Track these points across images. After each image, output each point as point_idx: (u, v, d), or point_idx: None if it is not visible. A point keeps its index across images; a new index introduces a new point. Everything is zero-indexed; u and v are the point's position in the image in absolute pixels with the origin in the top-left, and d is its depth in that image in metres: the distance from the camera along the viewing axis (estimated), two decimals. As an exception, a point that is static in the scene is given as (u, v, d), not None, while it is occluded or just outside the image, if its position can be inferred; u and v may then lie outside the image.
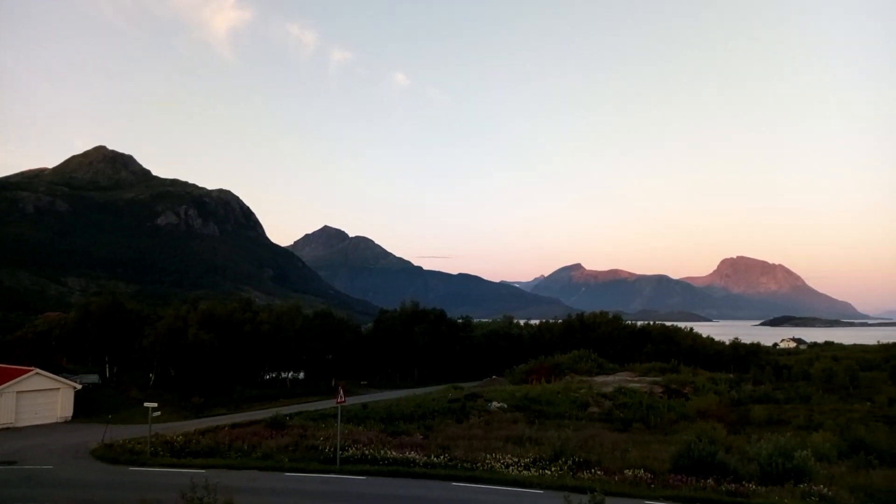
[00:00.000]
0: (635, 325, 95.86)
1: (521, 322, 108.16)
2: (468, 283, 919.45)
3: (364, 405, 42.71)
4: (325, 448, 27.05)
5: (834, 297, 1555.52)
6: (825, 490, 19.75)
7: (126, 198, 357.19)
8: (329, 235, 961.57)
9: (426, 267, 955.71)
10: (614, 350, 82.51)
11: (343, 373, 71.95)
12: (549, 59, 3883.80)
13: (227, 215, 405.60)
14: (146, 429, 28.88)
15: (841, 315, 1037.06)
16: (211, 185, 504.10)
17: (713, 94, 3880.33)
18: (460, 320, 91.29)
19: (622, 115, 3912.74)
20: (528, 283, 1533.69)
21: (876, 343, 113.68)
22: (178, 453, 27.51)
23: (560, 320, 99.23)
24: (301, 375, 69.93)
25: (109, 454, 27.95)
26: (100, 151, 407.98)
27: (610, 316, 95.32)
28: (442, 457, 25.38)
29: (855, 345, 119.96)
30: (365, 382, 72.69)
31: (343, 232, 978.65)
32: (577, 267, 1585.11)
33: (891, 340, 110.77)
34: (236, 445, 28.20)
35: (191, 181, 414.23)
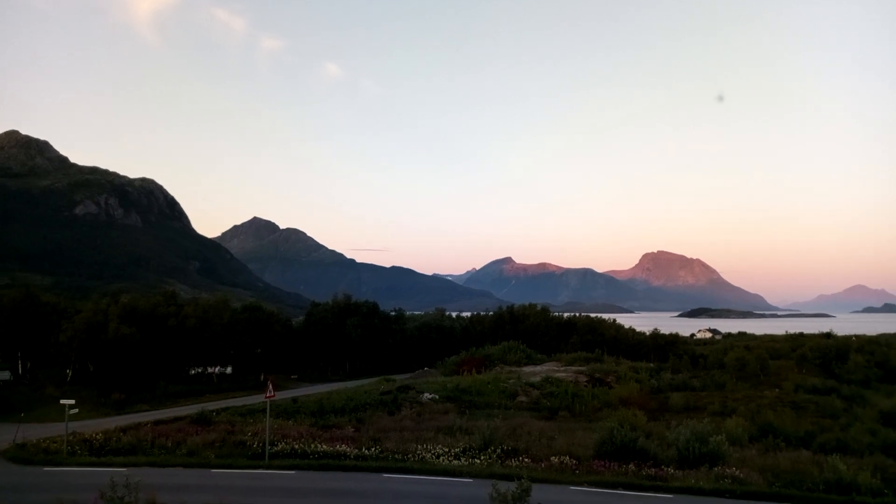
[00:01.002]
0: (562, 316, 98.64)
1: (454, 314, 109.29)
2: (401, 276, 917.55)
3: (294, 399, 42.25)
4: (254, 443, 26.64)
5: (747, 289, 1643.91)
6: (737, 472, 21.07)
7: (41, 185, 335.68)
8: (259, 227, 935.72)
9: (359, 260, 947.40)
10: (542, 341, 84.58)
11: (273, 367, 70.70)
12: (481, 54, 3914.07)
13: (150, 205, 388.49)
14: (63, 427, 27.62)
15: (753, 307, 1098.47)
16: (133, 173, 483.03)
17: (636, 93, 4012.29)
18: (393, 313, 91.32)
19: (551, 112, 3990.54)
20: (461, 275, 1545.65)
21: (784, 333, 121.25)
22: (98, 452, 26.44)
23: (491, 312, 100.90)
24: (229, 370, 68.28)
25: (22, 455, 26.52)
26: (12, 136, 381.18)
27: (538, 308, 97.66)
28: (373, 449, 25.50)
29: (765, 335, 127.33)
30: (295, 376, 71.71)
31: (273, 223, 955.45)
32: (508, 260, 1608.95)
33: (797, 331, 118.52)
34: (160, 442, 27.39)
35: (112, 169, 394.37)
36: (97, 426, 32.10)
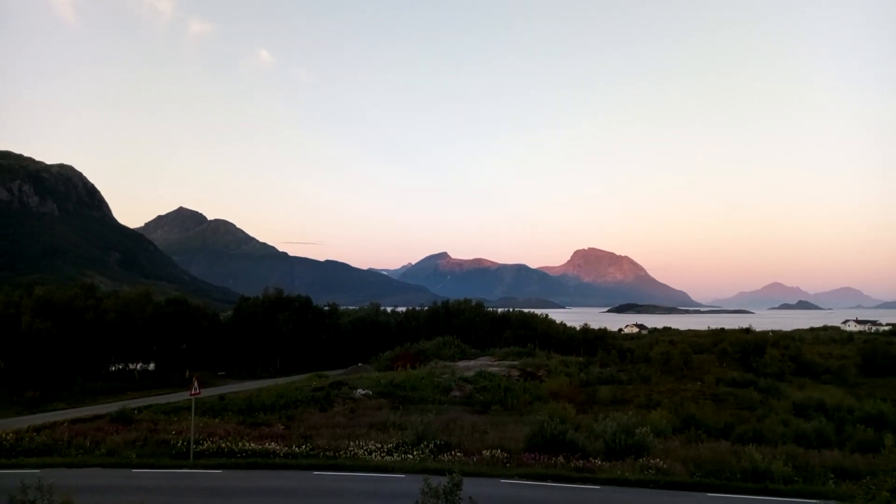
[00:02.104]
0: (496, 311, 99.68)
1: (389, 309, 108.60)
2: (336, 271, 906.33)
3: (222, 397, 40.96)
4: (178, 442, 25.65)
5: (672, 286, 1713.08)
6: (661, 463, 21.75)
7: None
8: (185, 218, 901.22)
9: (292, 253, 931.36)
10: (477, 336, 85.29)
11: (199, 363, 68.43)
12: (419, 50, 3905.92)
13: (68, 193, 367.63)
14: (-33, 429, 25.74)
15: (678, 303, 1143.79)
16: (50, 159, 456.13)
17: (568, 93, 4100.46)
18: (327, 308, 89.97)
19: (486, 109, 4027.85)
20: (396, 270, 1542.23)
21: (706, 329, 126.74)
22: (9, 453, 24.81)
23: (426, 307, 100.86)
24: (152, 367, 65.69)
25: (-80, 459, 24.62)
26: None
27: (473, 303, 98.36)
28: (304, 446, 24.99)
29: (689, 330, 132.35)
30: (223, 373, 69.66)
31: (201, 214, 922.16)
32: (444, 255, 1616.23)
33: (718, 326, 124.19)
34: (77, 442, 25.97)
35: (26, 154, 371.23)
36: (8, 425, 30.17)
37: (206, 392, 43.75)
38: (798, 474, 20.70)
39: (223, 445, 24.89)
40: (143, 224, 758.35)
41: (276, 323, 77.09)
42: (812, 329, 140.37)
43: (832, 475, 20.44)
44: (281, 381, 57.25)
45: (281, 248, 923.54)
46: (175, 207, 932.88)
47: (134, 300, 64.03)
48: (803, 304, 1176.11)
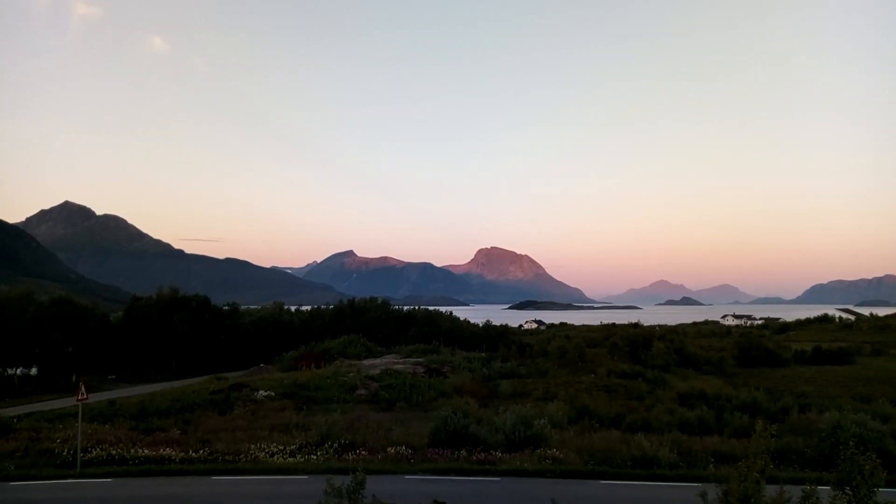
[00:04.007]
0: (402, 309, 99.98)
1: (293, 308, 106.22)
2: (237, 269, 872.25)
3: (112, 401, 38.76)
4: (63, 451, 24.12)
5: (568, 284, 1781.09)
6: (557, 453, 22.67)
7: None
8: (71, 212, 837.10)
9: (189, 250, 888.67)
10: (383, 334, 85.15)
11: (88, 367, 64.13)
12: (326, 43, 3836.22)
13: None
14: None
15: (573, 299, 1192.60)
16: None
17: (472, 95, 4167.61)
18: (226, 307, 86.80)
19: (393, 107, 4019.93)
20: (301, 268, 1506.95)
21: (599, 324, 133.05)
22: None
23: (331, 306, 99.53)
24: (34, 371, 60.90)
25: None
26: None
27: (379, 301, 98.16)
28: (202, 451, 24.19)
29: (583, 325, 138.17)
30: (113, 377, 65.67)
31: (89, 209, 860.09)
32: (350, 253, 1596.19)
33: (610, 321, 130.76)
34: (-58, 457, 23.84)
35: None
36: None
37: (96, 397, 41.31)
38: (682, 460, 22.05)
39: (114, 453, 23.67)
40: (24, 219, 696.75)
41: (172, 324, 73.54)
42: (694, 323, 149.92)
43: (712, 459, 21.82)
44: (177, 384, 54.72)
45: (177, 246, 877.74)
46: (60, 201, 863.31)
47: (13, 300, 59.42)
48: (687, 301, 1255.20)
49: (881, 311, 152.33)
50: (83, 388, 24.89)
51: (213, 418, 33.49)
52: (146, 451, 23.83)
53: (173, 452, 23.88)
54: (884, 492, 10.31)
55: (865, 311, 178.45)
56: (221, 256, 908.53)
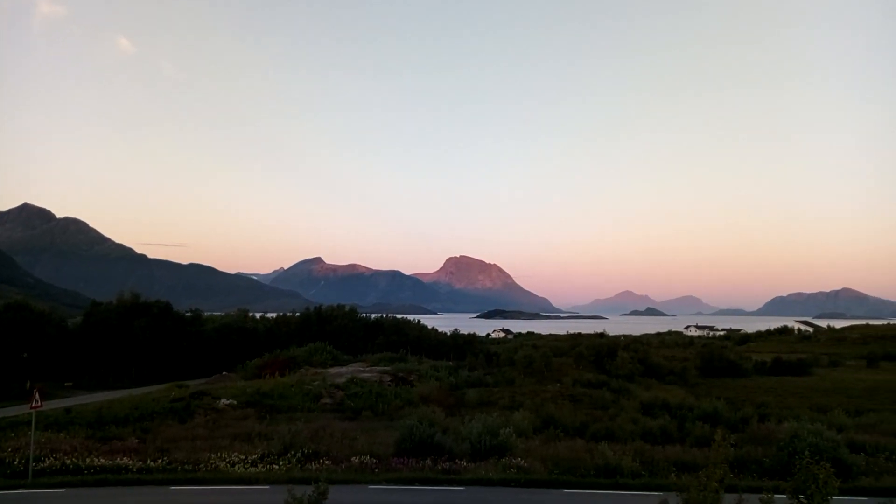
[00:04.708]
0: (370, 317, 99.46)
1: (258, 315, 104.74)
2: (201, 274, 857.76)
3: (68, 409, 37.56)
4: (14, 460, 23.26)
5: (536, 293, 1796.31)
6: (522, 462, 22.69)
7: None
8: (30, 214, 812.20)
9: (152, 255, 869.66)
10: (350, 342, 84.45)
11: (44, 373, 62.25)
12: (294, 47, 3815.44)
13: None
14: None
15: (540, 309, 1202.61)
16: None
17: (438, 104, 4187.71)
18: (189, 314, 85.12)
19: (362, 113, 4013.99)
20: (267, 275, 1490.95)
21: (565, 333, 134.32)
22: None
23: (298, 313, 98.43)
24: (-16, 378, 58.74)
25: None
26: None
27: (346, 309, 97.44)
28: (160, 460, 23.57)
29: (550, 334, 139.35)
30: (70, 384, 63.78)
31: (48, 211, 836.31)
32: (318, 260, 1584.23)
33: (576, 331, 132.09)
34: None
35: None
36: None
37: (52, 405, 40.04)
38: (645, 469, 22.31)
39: (68, 462, 22.93)
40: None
41: (132, 330, 71.83)
42: (658, 334, 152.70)
43: (674, 468, 22.07)
44: (137, 391, 53.33)
45: (139, 250, 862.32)
46: (19, 203, 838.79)
47: (-37, 305, 57.24)
48: (651, 311, 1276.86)
49: (838, 324, 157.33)
50: (37, 395, 24.12)
51: (172, 427, 32.71)
52: (102, 461, 23.12)
53: (131, 461, 23.23)
54: (837, 500, 10.59)
55: (823, 323, 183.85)
56: (185, 262, 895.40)
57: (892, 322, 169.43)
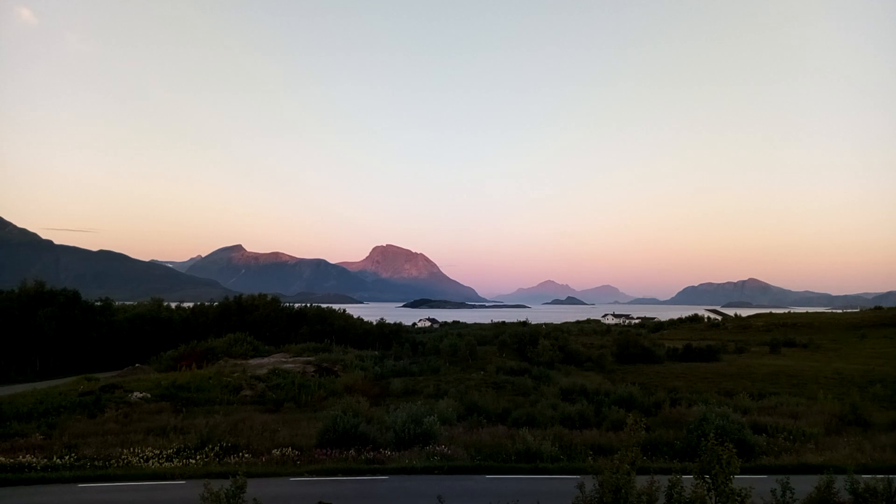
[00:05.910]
0: (293, 307, 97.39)
1: (173, 305, 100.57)
2: (112, 262, 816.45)
3: (-38, 406, 34.99)
4: None
5: (462, 283, 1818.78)
6: (446, 449, 22.97)
7: None
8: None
9: (58, 241, 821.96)
10: (272, 332, 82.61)
11: (-70, 368, 57.61)
12: (211, 24, 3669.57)
13: None
14: None
15: (466, 298, 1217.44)
16: None
17: (365, 90, 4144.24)
18: (99, 303, 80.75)
19: (285, 99, 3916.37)
20: (183, 263, 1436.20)
21: (490, 322, 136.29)
22: None
23: (216, 303, 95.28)
24: None
25: None
26: None
27: (269, 298, 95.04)
28: (67, 457, 22.41)
29: (475, 323, 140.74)
30: (-36, 379, 59.36)
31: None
32: (238, 248, 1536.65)
33: (500, 320, 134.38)
34: None
35: None
36: None
37: (-61, 402, 37.13)
38: (564, 453, 23.09)
39: (-38, 463, 21.43)
40: None
41: (36, 320, 67.53)
42: (578, 322, 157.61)
43: (591, 452, 23.00)
44: (41, 385, 50.25)
45: (45, 236, 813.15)
46: None
47: None
48: (571, 300, 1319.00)
49: (744, 312, 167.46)
50: (-75, 391, 22.38)
51: (81, 422, 31.14)
52: (2, 459, 21.78)
53: (34, 459, 21.99)
54: (739, 478, 11.34)
55: (731, 311, 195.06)
56: (95, 248, 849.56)
57: (792, 310, 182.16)
